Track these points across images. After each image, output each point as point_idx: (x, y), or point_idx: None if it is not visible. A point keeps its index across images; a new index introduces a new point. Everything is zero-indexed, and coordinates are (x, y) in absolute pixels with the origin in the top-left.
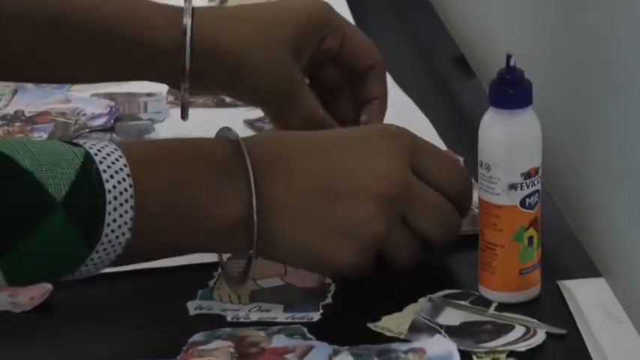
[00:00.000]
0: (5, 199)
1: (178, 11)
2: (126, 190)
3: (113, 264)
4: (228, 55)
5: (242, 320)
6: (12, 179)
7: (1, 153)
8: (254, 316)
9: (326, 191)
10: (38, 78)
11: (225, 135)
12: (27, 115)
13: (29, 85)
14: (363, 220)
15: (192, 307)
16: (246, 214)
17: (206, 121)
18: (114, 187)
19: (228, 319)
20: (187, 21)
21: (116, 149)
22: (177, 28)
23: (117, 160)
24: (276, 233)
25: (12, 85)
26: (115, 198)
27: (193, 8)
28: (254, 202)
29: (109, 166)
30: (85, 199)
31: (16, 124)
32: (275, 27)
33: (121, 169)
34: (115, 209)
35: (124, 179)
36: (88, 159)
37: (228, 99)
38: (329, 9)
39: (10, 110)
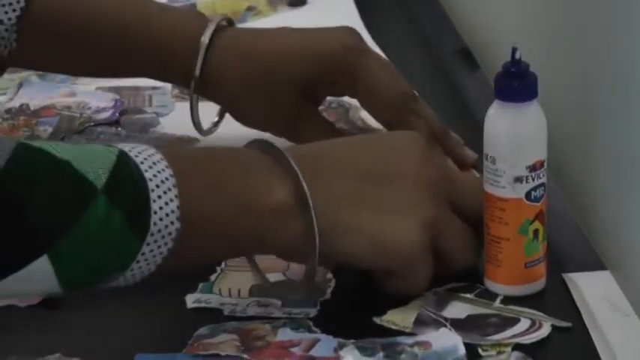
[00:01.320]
0: (46, 188)
1: (200, 26)
2: (167, 179)
3: (166, 262)
4: (229, 88)
5: (239, 315)
6: (50, 169)
7: (35, 147)
8: (251, 311)
9: (371, 176)
10: (42, 69)
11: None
12: (32, 108)
13: (34, 79)
14: (413, 202)
15: (191, 300)
16: (295, 201)
17: (209, 114)
18: (154, 175)
19: (225, 313)
20: (205, 40)
21: (149, 147)
22: (195, 45)
23: (152, 154)
24: (330, 216)
25: (17, 78)
26: (158, 186)
27: (214, 30)
28: (304, 185)
29: (145, 159)
30: (126, 186)
31: (21, 117)
32: (281, 70)
33: (158, 162)
34: (159, 197)
35: (163, 170)
36: (122, 154)
37: None
38: (347, 50)
39: (15, 104)
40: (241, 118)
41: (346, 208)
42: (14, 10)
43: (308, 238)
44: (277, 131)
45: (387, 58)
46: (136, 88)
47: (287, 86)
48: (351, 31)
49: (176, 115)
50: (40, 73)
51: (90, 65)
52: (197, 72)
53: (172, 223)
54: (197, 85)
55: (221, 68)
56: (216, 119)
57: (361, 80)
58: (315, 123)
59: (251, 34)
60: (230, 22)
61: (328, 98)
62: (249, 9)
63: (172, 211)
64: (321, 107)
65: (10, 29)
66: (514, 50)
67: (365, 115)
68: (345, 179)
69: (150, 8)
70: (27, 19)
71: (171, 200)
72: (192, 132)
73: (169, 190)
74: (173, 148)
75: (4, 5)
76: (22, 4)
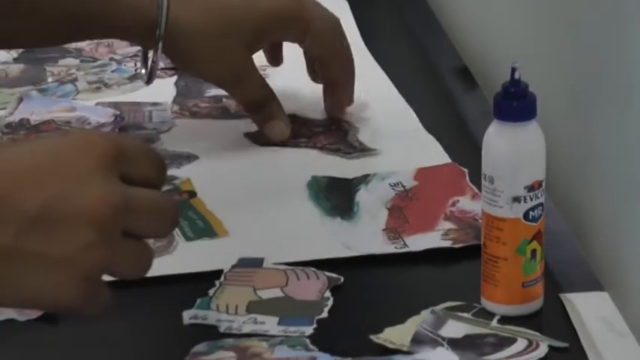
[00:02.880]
0: None
1: None
2: None
3: None
4: (183, 41)
5: (235, 332)
6: None
7: None
8: (247, 328)
9: (35, 223)
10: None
11: None
12: (32, 123)
13: (34, 94)
14: (80, 250)
15: (187, 316)
16: None
17: (208, 131)
18: None
19: (221, 330)
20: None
21: None
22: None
23: None
24: None
25: (17, 93)
26: None
27: None
28: None
29: None
30: None
31: (22, 132)
32: (233, 22)
33: None
34: None
35: None
36: None
37: (232, 110)
38: (298, 8)
39: (15, 118)
40: (188, 67)
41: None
42: None
43: None
44: (221, 84)
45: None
46: (137, 104)
47: (237, 42)
48: None
49: (175, 131)
50: (41, 87)
51: (47, 33)
52: (162, 28)
53: None
54: (159, 37)
55: (179, 20)
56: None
57: (312, 33)
58: (254, 78)
59: None
60: None
61: (328, 119)
62: None
63: None
64: (318, 129)
65: None
66: (513, 70)
67: (363, 137)
68: (7, 229)
69: None
70: None
71: None
72: (191, 148)
73: None
74: None
75: None
76: None
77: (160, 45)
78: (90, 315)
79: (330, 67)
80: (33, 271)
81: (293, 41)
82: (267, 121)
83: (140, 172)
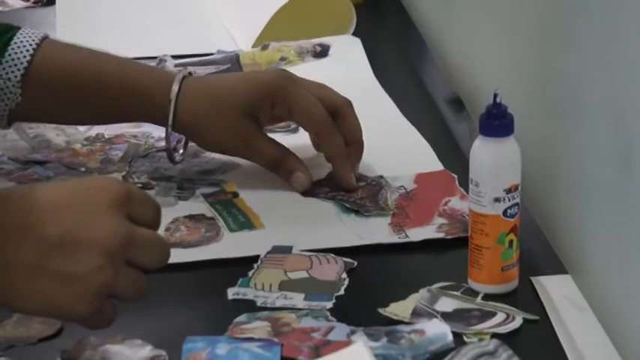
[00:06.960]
0: None
1: (168, 79)
2: None
3: None
4: (192, 119)
5: (269, 306)
6: None
7: None
8: (279, 303)
9: (54, 245)
10: (45, 121)
11: None
12: (106, 137)
13: None
14: (92, 271)
15: (231, 292)
16: None
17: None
18: None
19: (258, 304)
20: (175, 88)
21: None
22: (167, 94)
23: None
24: (5, 284)
25: None
26: None
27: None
28: None
29: None
30: None
31: (98, 144)
32: (229, 98)
33: None
34: None
35: None
36: None
37: (292, 124)
38: (282, 81)
39: (92, 133)
40: (201, 143)
41: (23, 276)
42: (19, 70)
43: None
44: (232, 151)
45: (319, 83)
46: None
47: (235, 110)
48: (284, 70)
49: None
50: None
51: (85, 116)
52: (170, 117)
53: None
54: (171, 123)
55: (186, 107)
56: (181, 151)
57: (293, 103)
58: (260, 147)
59: (207, 77)
60: (190, 73)
61: (370, 176)
62: (282, 59)
63: None
64: (362, 184)
65: (16, 85)
66: (495, 95)
67: (388, 195)
68: (30, 247)
69: (128, 64)
70: (29, 76)
71: None
72: (235, 158)
73: None
74: None
75: (10, 66)
76: (25, 64)
77: (170, 130)
78: (96, 327)
79: (321, 143)
80: (52, 286)
81: (282, 116)
82: (289, 176)
83: (143, 215)
